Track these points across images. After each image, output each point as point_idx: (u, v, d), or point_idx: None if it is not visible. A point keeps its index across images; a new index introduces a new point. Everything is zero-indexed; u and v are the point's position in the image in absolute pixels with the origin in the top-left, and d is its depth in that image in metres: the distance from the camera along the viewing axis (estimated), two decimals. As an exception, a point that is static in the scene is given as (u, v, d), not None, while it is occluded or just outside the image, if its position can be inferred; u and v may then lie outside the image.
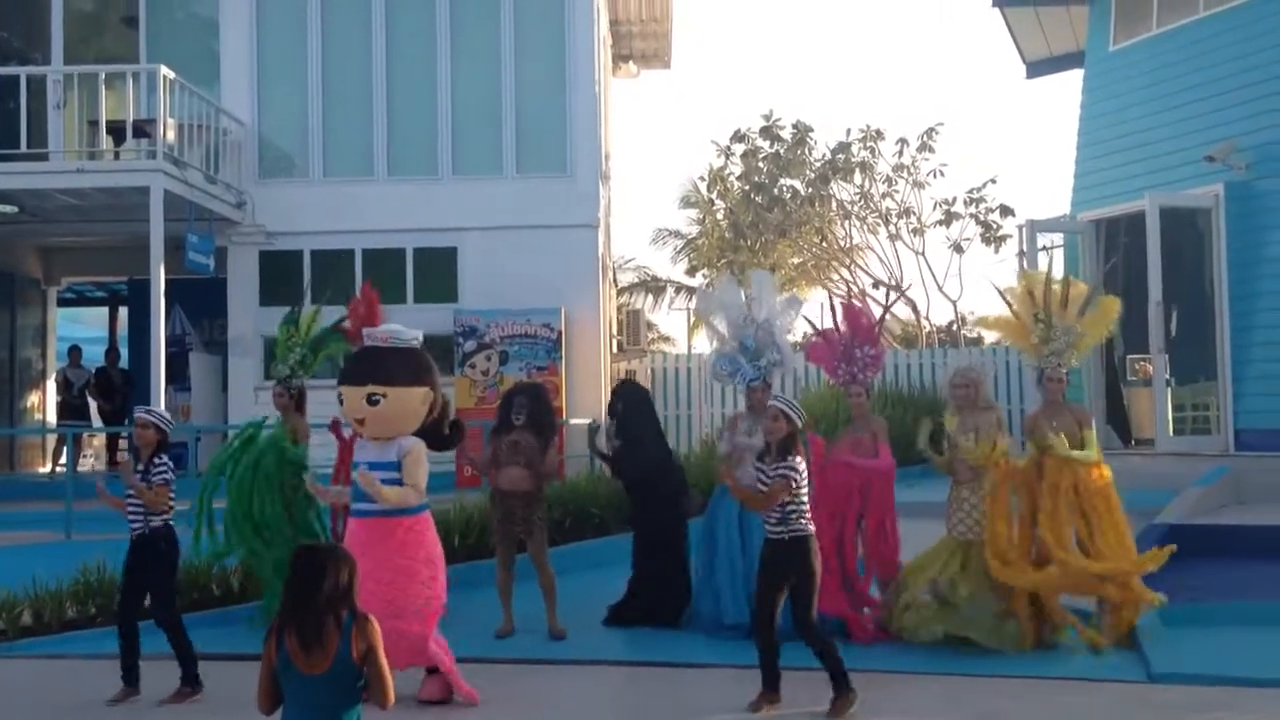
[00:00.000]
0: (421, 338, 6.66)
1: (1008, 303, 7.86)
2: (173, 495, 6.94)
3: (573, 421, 14.37)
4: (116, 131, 13.84)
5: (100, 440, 18.20)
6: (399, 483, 6.30)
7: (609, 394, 9.23)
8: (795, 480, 6.21)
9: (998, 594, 7.30)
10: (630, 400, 8.64)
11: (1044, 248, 15.99)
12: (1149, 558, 7.29)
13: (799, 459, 6.28)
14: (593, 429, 9.20)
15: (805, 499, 6.29)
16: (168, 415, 7.34)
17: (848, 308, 8.42)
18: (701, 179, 24.08)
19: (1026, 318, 7.69)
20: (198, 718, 6.56)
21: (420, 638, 6.33)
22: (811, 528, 6.33)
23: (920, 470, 9.19)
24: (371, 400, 6.26)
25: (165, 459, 6.92)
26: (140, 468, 6.86)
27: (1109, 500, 7.34)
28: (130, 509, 6.84)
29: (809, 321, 9.13)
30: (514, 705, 6.66)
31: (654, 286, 30.26)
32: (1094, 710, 6.31)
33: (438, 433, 6.78)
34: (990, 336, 28.08)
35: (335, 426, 7.90)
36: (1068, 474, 7.23)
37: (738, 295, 8.51)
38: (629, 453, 8.46)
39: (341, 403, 6.42)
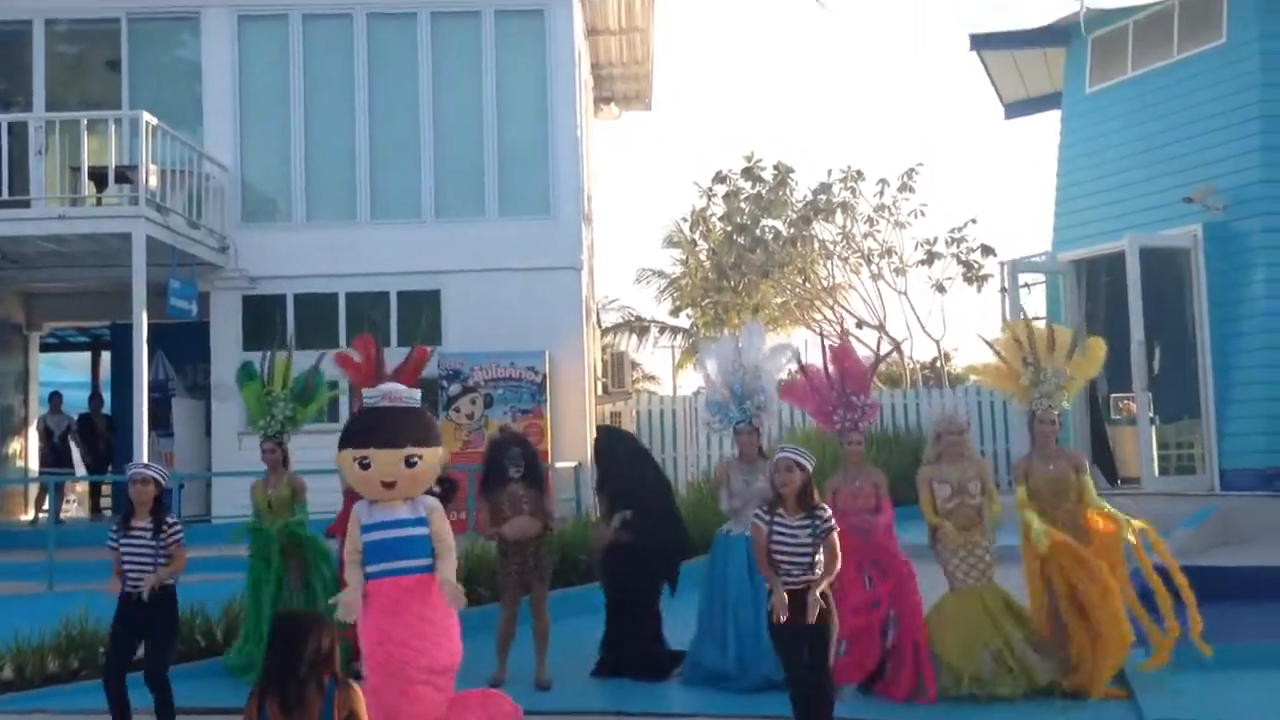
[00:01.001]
0: (420, 397, 6.68)
1: (995, 351, 7.88)
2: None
3: (558, 465, 14.32)
4: (99, 177, 13.81)
5: (83, 487, 18.04)
6: (426, 539, 6.27)
7: (594, 440, 9.15)
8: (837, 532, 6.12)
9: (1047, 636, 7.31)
10: (627, 449, 8.62)
11: (1025, 285, 16.10)
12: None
13: (826, 508, 6.20)
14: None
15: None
16: (163, 468, 7.29)
17: (836, 350, 8.32)
18: (684, 219, 24.19)
19: (1015, 362, 7.71)
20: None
21: (448, 694, 6.32)
22: None
23: (910, 510, 9.13)
24: (410, 462, 6.21)
25: (175, 520, 6.89)
26: (146, 526, 6.76)
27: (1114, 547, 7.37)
28: (133, 567, 6.72)
29: (799, 364, 9.11)
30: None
31: (638, 326, 30.32)
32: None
33: (430, 491, 6.78)
34: (972, 381, 28.26)
35: (336, 533, 7.90)
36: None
37: (730, 344, 8.55)
38: (629, 491, 8.39)
39: (365, 466, 6.27)
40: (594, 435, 15.66)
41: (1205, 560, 10.24)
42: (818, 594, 5.92)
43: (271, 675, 3.75)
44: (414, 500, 6.32)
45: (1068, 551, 7.26)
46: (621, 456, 8.57)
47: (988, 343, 8.06)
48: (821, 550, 6.04)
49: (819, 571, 6.04)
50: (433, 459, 6.34)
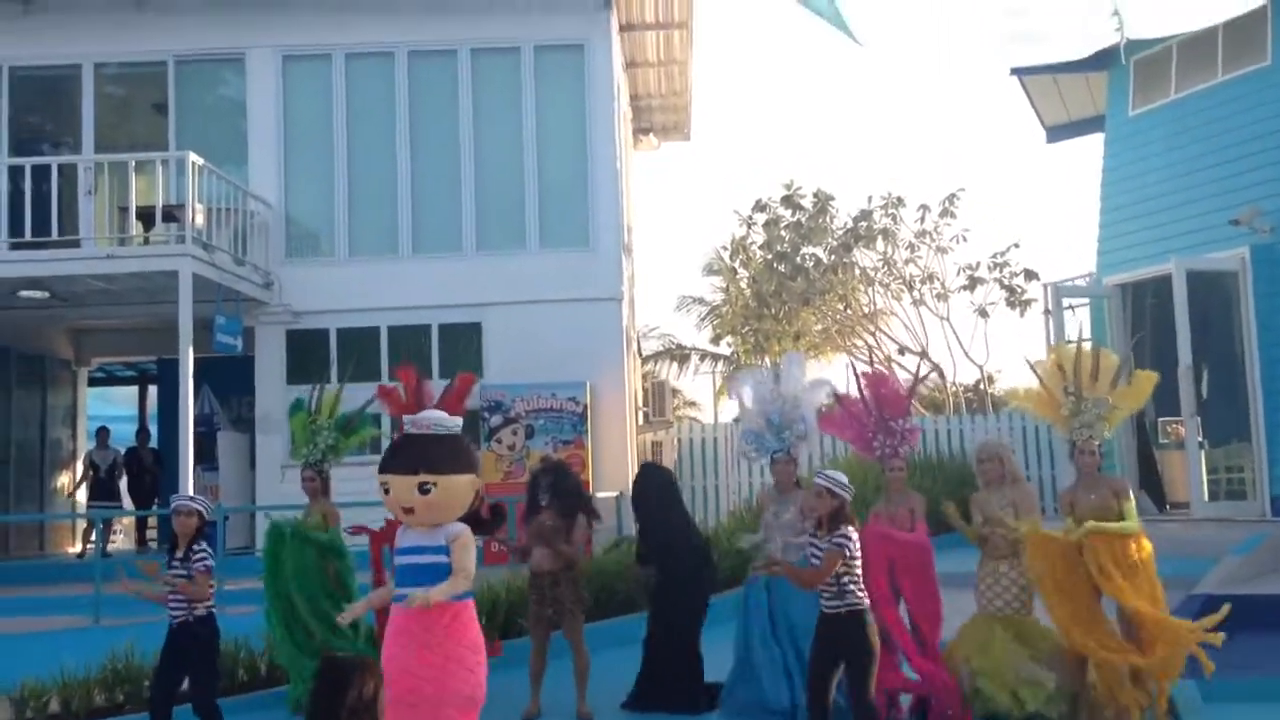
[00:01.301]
0: (461, 425, 6.69)
1: (1038, 377, 7.79)
2: (213, 582, 6.96)
3: (599, 495, 14.32)
4: (146, 216, 14.04)
5: (130, 521, 18.26)
6: (446, 567, 6.26)
7: (635, 473, 9.13)
8: (849, 550, 6.12)
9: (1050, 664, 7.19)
10: (656, 484, 8.60)
11: (1070, 307, 15.92)
12: (1202, 624, 7.11)
13: (851, 529, 6.21)
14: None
15: (859, 571, 6.21)
16: (207, 500, 7.40)
17: (871, 377, 8.30)
18: (724, 248, 24.20)
19: (1056, 391, 7.60)
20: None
21: None
22: (867, 601, 6.23)
23: (950, 538, 9.04)
24: (423, 489, 6.24)
25: (204, 545, 6.94)
26: (180, 555, 6.84)
27: (1149, 576, 7.21)
28: (171, 598, 6.81)
29: (836, 394, 9.06)
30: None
31: (679, 354, 30.27)
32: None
33: (477, 517, 6.76)
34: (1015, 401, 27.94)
35: (359, 530, 7.93)
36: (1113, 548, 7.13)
37: (767, 374, 8.55)
38: (654, 525, 8.38)
39: (387, 492, 6.35)
40: (635, 467, 15.68)
41: (1256, 589, 10.04)
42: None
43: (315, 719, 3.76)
44: (434, 528, 6.34)
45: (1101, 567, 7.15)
46: (649, 493, 8.51)
47: (1031, 366, 7.96)
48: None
49: (849, 598, 6.09)
50: (454, 486, 6.27)
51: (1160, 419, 15.36)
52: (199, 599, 6.83)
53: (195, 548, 6.86)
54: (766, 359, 24.25)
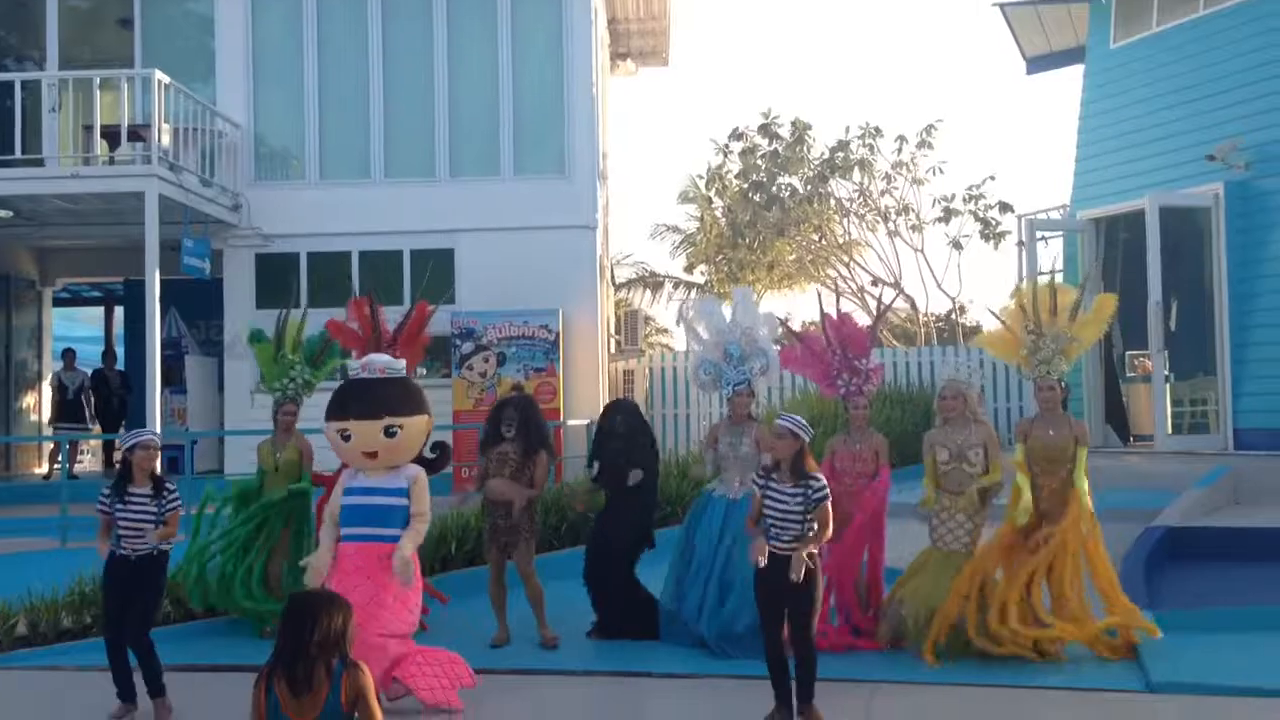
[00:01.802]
0: (403, 368, 6.75)
1: (1001, 320, 7.82)
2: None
3: (570, 423, 14.35)
4: (111, 136, 13.79)
5: (98, 442, 18.17)
6: (403, 509, 6.35)
7: (606, 405, 9.10)
8: (829, 497, 6.15)
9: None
10: (631, 417, 8.56)
11: (1042, 238, 15.92)
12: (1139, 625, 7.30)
13: (820, 475, 6.21)
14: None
15: None
16: (155, 434, 7.40)
17: (832, 317, 8.27)
18: (700, 176, 24.04)
19: (1019, 332, 7.63)
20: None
21: (404, 654, 6.43)
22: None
23: (913, 470, 9.11)
24: (389, 432, 6.30)
25: (174, 487, 6.91)
26: (146, 492, 6.76)
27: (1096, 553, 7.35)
28: (131, 530, 6.71)
29: (790, 330, 9.07)
30: (506, 717, 6.63)
31: (652, 282, 30.20)
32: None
33: (422, 457, 6.88)
34: (988, 329, 28.09)
35: (320, 480, 7.97)
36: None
37: (718, 305, 8.53)
38: (629, 449, 8.36)
39: (347, 438, 6.33)
40: (607, 395, 15.70)
41: (1215, 521, 10.21)
42: (803, 554, 5.93)
43: (282, 656, 3.76)
44: (397, 469, 6.38)
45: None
46: (617, 429, 8.45)
47: (994, 314, 8.00)
48: (814, 518, 6.06)
49: (809, 536, 6.08)
50: (415, 427, 6.41)
51: (1128, 352, 15.47)
52: (171, 538, 6.83)
53: (169, 487, 6.83)
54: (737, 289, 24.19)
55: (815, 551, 6.10)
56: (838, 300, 10.25)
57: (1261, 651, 7.24)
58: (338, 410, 6.42)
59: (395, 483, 6.40)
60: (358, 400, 6.40)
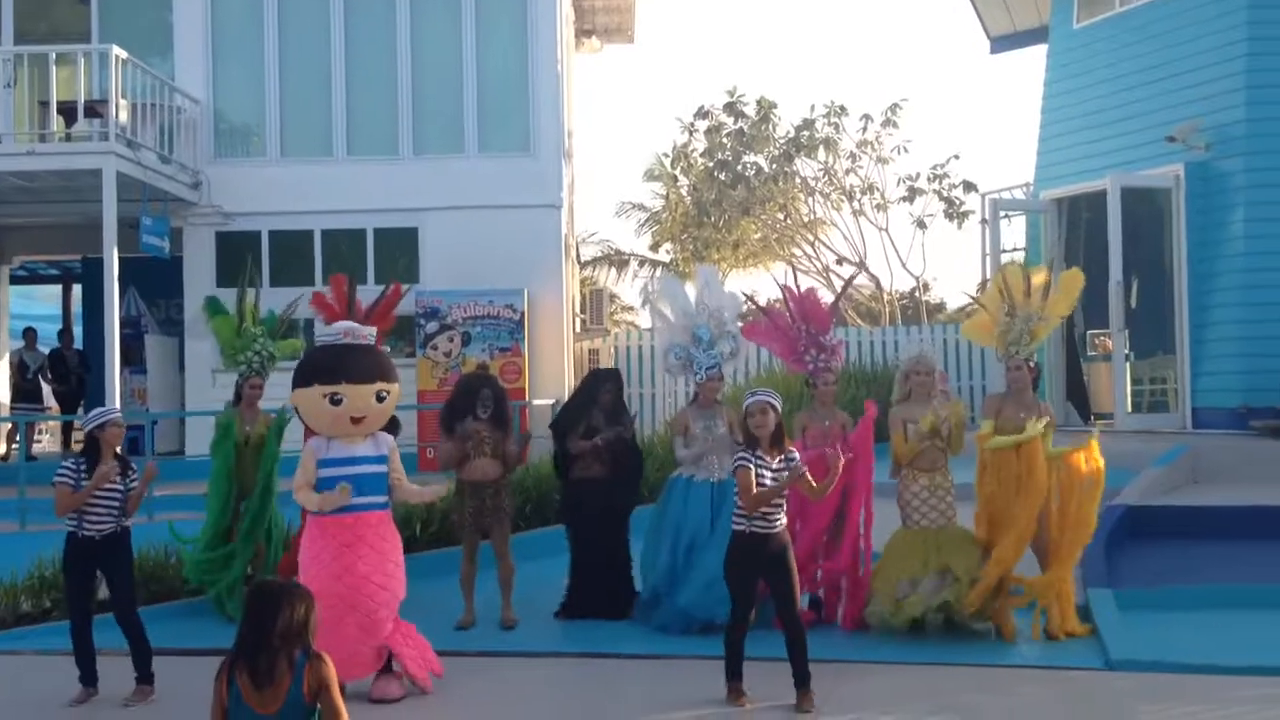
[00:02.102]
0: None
1: (981, 305, 7.87)
2: None
3: (535, 402, 14.32)
4: (68, 112, 13.57)
5: (56, 422, 17.94)
6: (385, 475, 6.48)
7: (579, 378, 9.08)
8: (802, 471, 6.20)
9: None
10: (618, 389, 8.54)
11: (1005, 216, 16.00)
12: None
13: (796, 452, 6.32)
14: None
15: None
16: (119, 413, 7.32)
17: (795, 293, 8.26)
18: (665, 154, 24.00)
19: (996, 315, 7.67)
20: (162, 716, 6.47)
21: (393, 626, 6.53)
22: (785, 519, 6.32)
23: (883, 446, 9.13)
24: (380, 397, 6.40)
25: (136, 467, 6.87)
26: (117, 471, 6.69)
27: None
28: (100, 507, 6.65)
29: (757, 305, 9.06)
30: (474, 699, 6.62)
31: (617, 260, 30.16)
32: (1048, 701, 6.33)
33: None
34: (951, 308, 28.29)
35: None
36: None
37: (682, 286, 8.50)
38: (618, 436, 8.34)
39: (337, 402, 6.31)
40: (572, 375, 15.68)
41: (1174, 500, 10.33)
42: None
43: (243, 646, 3.72)
44: (374, 437, 6.46)
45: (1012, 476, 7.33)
46: (603, 399, 8.42)
47: (973, 298, 8.03)
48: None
49: (780, 516, 6.20)
50: (396, 393, 6.57)
51: (1089, 331, 15.60)
52: (134, 509, 6.81)
53: (133, 467, 6.79)
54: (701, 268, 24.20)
55: (784, 524, 6.22)
56: (796, 277, 10.26)
57: (1219, 629, 7.35)
58: (329, 374, 6.38)
59: (379, 450, 6.49)
60: (353, 363, 6.40)
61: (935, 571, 7.36)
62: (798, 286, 8.33)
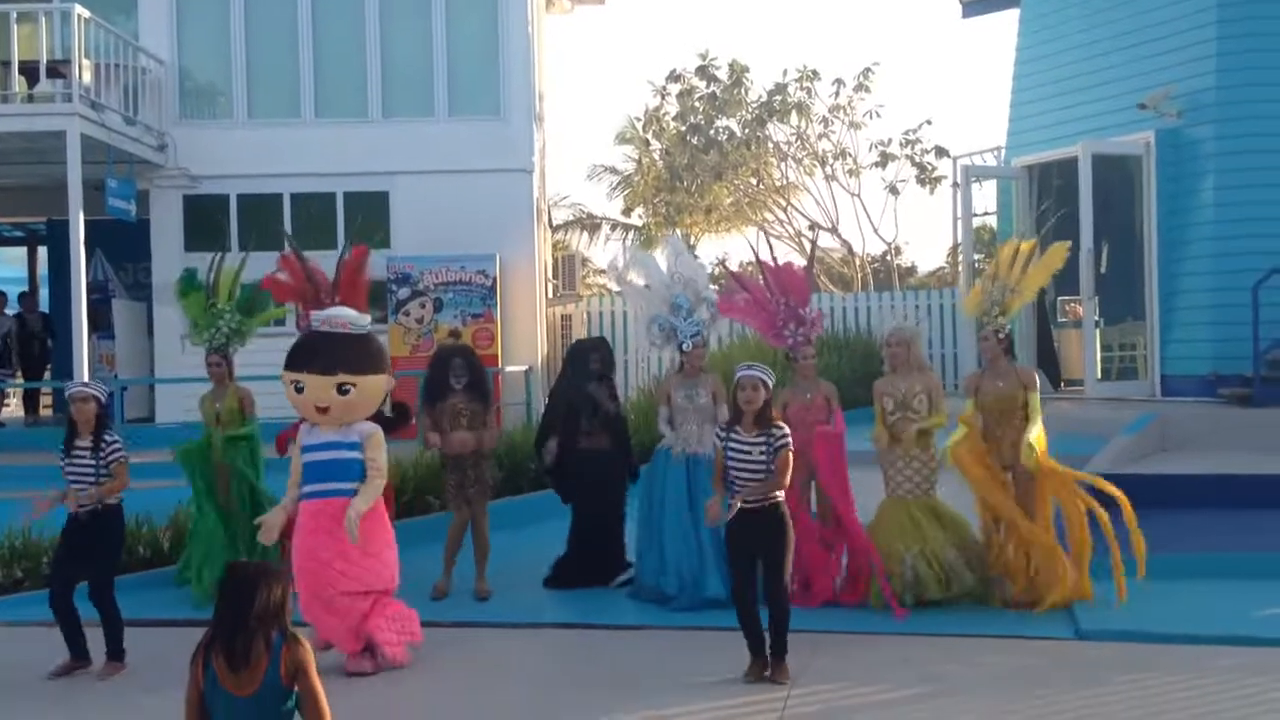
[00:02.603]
0: (370, 323, 6.70)
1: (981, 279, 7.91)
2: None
3: (508, 369, 14.27)
4: (30, 72, 13.28)
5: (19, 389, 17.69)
6: (358, 463, 6.36)
7: (552, 345, 9.06)
8: (791, 446, 6.17)
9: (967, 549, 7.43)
10: (607, 357, 8.49)
11: (976, 180, 16.01)
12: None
13: (784, 424, 6.27)
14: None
15: None
16: (102, 385, 7.18)
17: (777, 269, 8.16)
18: (637, 118, 23.83)
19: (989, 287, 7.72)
20: (134, 687, 6.42)
21: (373, 610, 6.47)
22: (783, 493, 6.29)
23: (860, 413, 9.13)
24: (342, 390, 6.31)
25: (114, 435, 6.76)
26: (87, 444, 6.61)
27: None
28: (76, 487, 6.59)
29: (732, 274, 9.00)
30: (450, 670, 6.63)
31: (589, 224, 30.00)
32: (1022, 671, 6.38)
33: (382, 416, 6.90)
34: (923, 272, 28.39)
35: (284, 439, 7.79)
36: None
37: (651, 257, 8.47)
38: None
39: (300, 390, 6.28)
40: (544, 342, 15.62)
41: (1143, 468, 10.41)
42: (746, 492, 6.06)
43: (219, 628, 3.68)
44: (348, 425, 6.39)
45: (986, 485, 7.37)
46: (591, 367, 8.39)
47: (978, 270, 8.06)
48: (774, 465, 6.11)
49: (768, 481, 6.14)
50: (370, 387, 6.42)
51: (1060, 298, 15.68)
52: (117, 492, 6.69)
53: (107, 438, 6.66)
54: (678, 231, 24.15)
55: (781, 498, 6.17)
56: (770, 246, 10.18)
57: (1187, 598, 7.44)
58: (292, 361, 6.40)
59: (349, 437, 6.42)
60: (313, 353, 6.37)
61: (947, 544, 7.37)
62: (774, 257, 8.25)
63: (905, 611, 7.24)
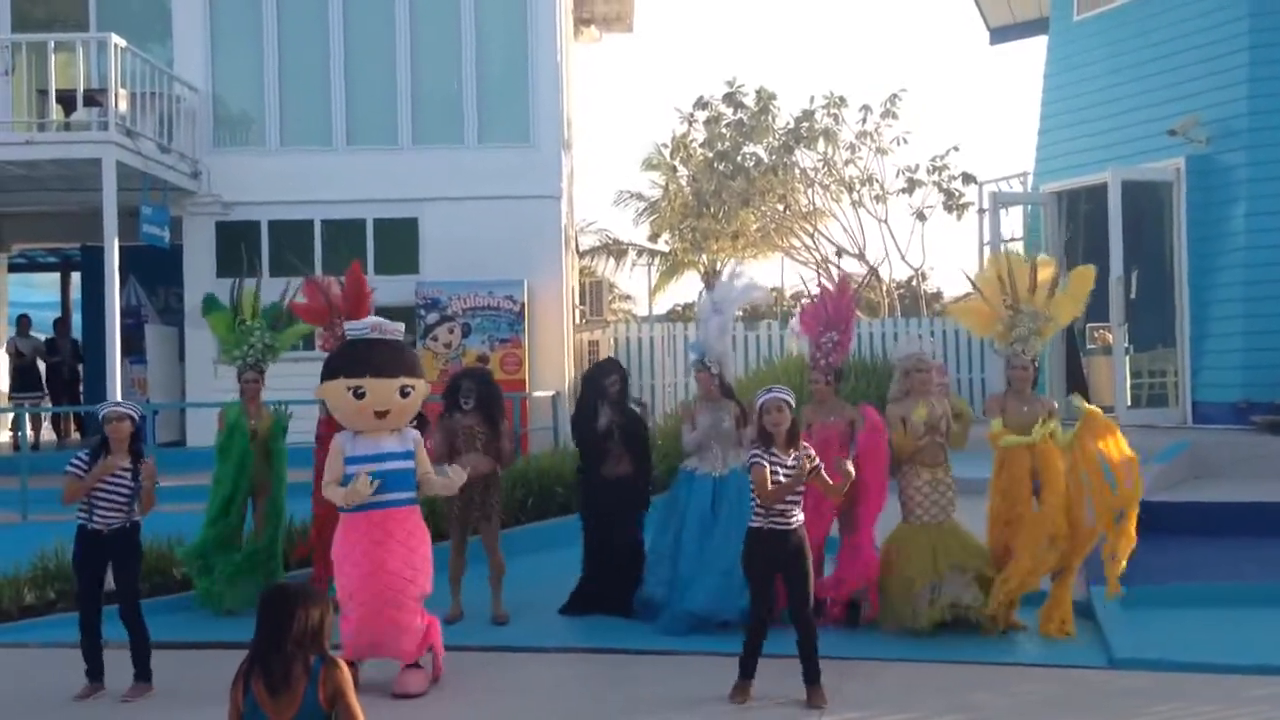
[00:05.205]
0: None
1: (978, 289, 7.81)
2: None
3: (536, 394, 14.32)
4: (66, 100, 13.51)
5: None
6: (413, 472, 6.53)
7: (579, 371, 9.08)
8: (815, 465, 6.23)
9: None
10: (624, 380, 8.50)
11: (1003, 207, 16.00)
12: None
13: (810, 447, 6.34)
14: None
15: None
16: (134, 404, 7.25)
17: (832, 293, 8.09)
18: (664, 145, 23.93)
19: (996, 304, 7.63)
20: (161, 711, 6.46)
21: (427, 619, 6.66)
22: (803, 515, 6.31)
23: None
24: (404, 392, 6.43)
25: (148, 456, 6.83)
26: (126, 466, 6.65)
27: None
28: (106, 501, 6.62)
29: (807, 289, 9.01)
30: (476, 695, 6.63)
31: (616, 250, 30.14)
32: (1053, 699, 6.32)
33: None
34: (949, 296, 28.27)
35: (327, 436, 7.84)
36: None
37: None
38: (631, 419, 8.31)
39: (360, 396, 6.34)
40: (572, 366, 15.66)
41: (1176, 496, 10.33)
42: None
43: (258, 653, 3.69)
44: (401, 432, 6.52)
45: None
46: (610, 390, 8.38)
47: (971, 280, 7.98)
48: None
49: (797, 513, 6.21)
50: (422, 391, 6.62)
51: (1089, 324, 15.61)
52: (148, 508, 6.77)
53: (146, 462, 6.72)
54: (705, 258, 24.21)
55: (802, 520, 6.24)
56: (820, 278, 10.12)
57: (1222, 628, 7.37)
58: (353, 368, 6.43)
59: (405, 446, 6.53)
60: (378, 358, 6.44)
61: (950, 568, 7.33)
62: (834, 285, 8.24)
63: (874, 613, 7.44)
